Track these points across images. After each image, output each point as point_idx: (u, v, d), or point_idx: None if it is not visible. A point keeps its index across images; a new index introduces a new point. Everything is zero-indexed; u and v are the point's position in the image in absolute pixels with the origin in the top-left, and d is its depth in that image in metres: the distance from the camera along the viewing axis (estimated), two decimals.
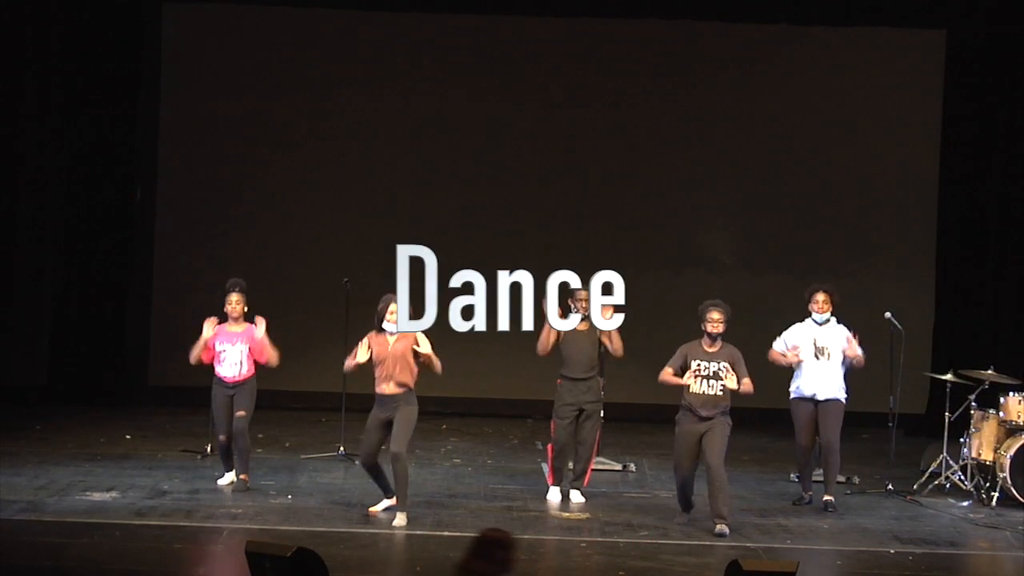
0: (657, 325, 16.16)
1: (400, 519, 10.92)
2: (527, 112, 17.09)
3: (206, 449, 13.28)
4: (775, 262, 16.87)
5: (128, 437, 14.39)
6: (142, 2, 16.73)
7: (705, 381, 11.05)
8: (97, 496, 11.43)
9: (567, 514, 11.52)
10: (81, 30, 16.46)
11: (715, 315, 11.12)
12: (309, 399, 16.21)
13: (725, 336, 11.17)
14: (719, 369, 11.02)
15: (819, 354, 12.00)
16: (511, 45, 17.09)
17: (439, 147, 17.07)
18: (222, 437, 11.97)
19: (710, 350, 11.12)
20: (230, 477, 12.03)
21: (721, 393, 11.04)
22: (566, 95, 17.07)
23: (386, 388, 11.01)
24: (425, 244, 17.24)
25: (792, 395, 12.09)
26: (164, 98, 17.03)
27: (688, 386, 11.07)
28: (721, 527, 10.92)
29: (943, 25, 16.68)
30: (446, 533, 10.66)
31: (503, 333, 16.32)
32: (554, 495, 11.99)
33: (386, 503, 11.18)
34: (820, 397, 11.97)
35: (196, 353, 11.94)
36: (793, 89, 17.09)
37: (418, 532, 10.71)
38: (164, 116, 17.04)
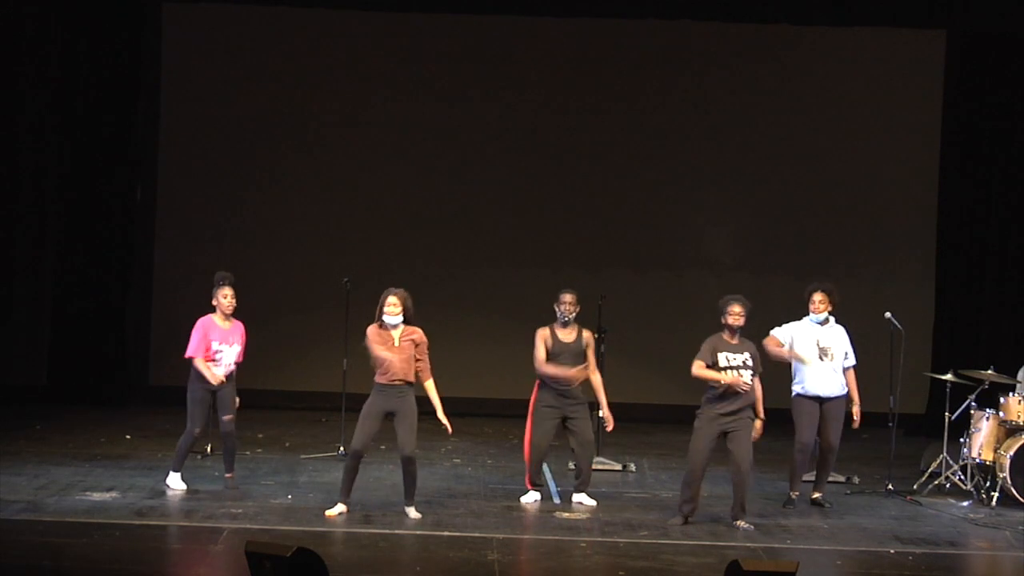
0: (657, 326, 16.19)
1: (414, 512, 11.04)
2: (527, 112, 17.09)
3: (206, 449, 13.28)
4: (775, 262, 16.87)
5: (128, 437, 14.39)
6: (142, 2, 16.73)
7: (734, 372, 11.10)
8: (97, 496, 11.43)
9: (567, 514, 11.52)
10: (81, 30, 16.46)
11: (736, 308, 11.22)
12: (309, 399, 16.21)
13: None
14: (745, 359, 11.10)
15: (823, 355, 12.02)
16: (511, 45, 17.09)
17: (439, 146, 17.07)
18: (197, 431, 11.82)
19: (733, 342, 11.20)
20: (179, 480, 11.91)
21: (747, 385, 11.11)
22: (566, 95, 17.08)
23: (391, 380, 11.00)
24: (426, 243, 17.38)
25: (795, 393, 12.10)
26: (164, 98, 17.04)
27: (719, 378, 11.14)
28: (747, 524, 11.08)
29: (943, 25, 16.68)
30: (446, 533, 10.66)
31: (503, 333, 16.42)
32: (530, 497, 11.90)
33: (341, 508, 11.11)
34: (824, 395, 11.99)
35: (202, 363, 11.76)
36: (793, 89, 17.09)
37: (418, 532, 10.72)
38: (164, 116, 17.04)
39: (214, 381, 11.64)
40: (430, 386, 11.10)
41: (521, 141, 17.11)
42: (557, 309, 11.79)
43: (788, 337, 12.12)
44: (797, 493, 12.14)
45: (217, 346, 11.77)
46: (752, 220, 17.18)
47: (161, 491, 11.72)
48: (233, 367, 11.87)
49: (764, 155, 17.09)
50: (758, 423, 11.22)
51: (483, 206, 17.18)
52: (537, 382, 11.88)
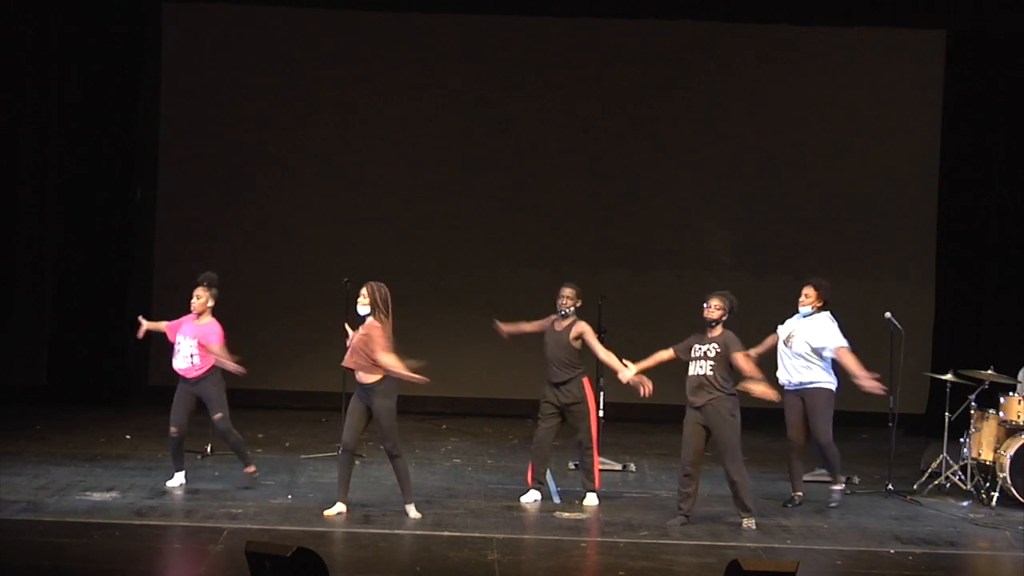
0: (657, 325, 16.16)
1: (414, 512, 11.05)
2: (527, 112, 17.10)
3: (206, 449, 13.29)
4: (775, 262, 16.87)
5: (128, 437, 14.40)
6: (142, 2, 16.73)
7: (696, 363, 11.17)
8: (97, 496, 11.43)
9: (567, 514, 11.52)
10: (81, 30, 16.46)
11: (712, 301, 11.26)
12: (309, 399, 16.21)
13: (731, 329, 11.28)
14: (708, 350, 11.09)
15: (786, 342, 12.09)
16: (511, 45, 17.09)
17: (440, 146, 17.08)
18: (173, 430, 11.84)
19: (708, 335, 11.24)
20: (180, 479, 11.96)
21: (710, 373, 11.08)
22: (566, 95, 17.08)
23: (358, 377, 11.02)
24: (426, 244, 17.38)
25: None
26: (164, 98, 17.04)
27: (687, 369, 11.21)
28: (750, 523, 11.10)
29: (943, 25, 16.68)
30: (446, 533, 10.67)
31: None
32: (528, 496, 11.93)
33: (339, 508, 11.13)
34: (794, 382, 11.97)
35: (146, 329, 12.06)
36: (793, 89, 17.10)
37: (418, 532, 10.73)
38: (164, 116, 17.04)
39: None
40: (387, 362, 10.81)
41: (521, 141, 17.10)
42: (557, 303, 11.87)
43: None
44: (800, 494, 12.12)
45: (179, 338, 11.90)
46: (752, 220, 17.18)
47: (161, 491, 11.74)
48: (203, 365, 11.83)
49: (764, 155, 17.09)
50: (758, 387, 11.07)
51: (483, 206, 17.17)
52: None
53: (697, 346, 11.21)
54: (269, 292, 16.54)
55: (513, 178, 17.13)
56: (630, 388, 15.58)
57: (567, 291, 11.91)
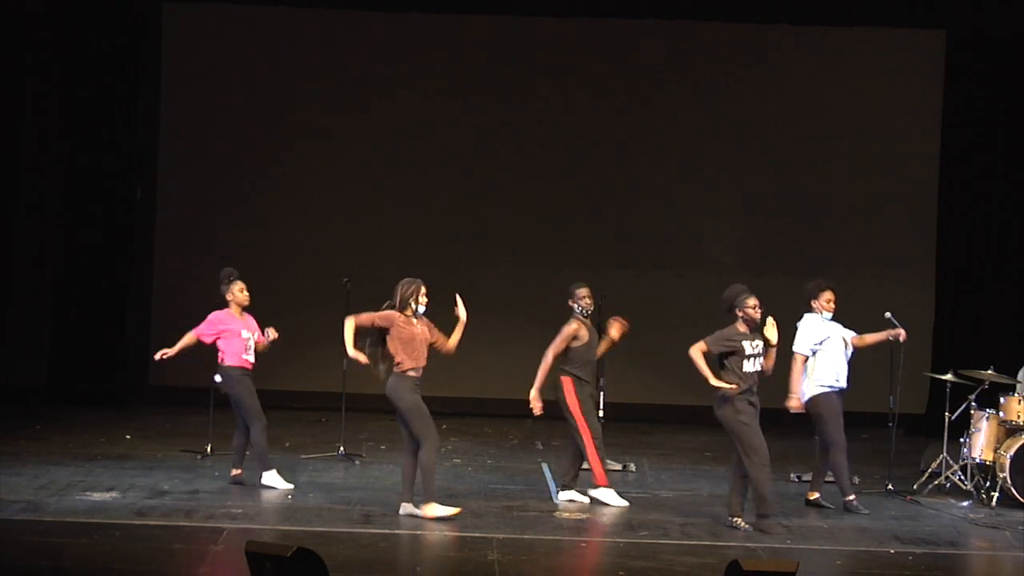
0: (657, 326, 16.17)
1: (419, 509, 11.02)
2: (528, 112, 17.10)
3: (206, 449, 13.29)
4: (776, 263, 16.88)
5: (128, 437, 14.40)
6: (142, 2, 16.74)
7: (756, 360, 10.99)
8: (97, 496, 11.43)
9: (567, 514, 11.52)
10: (81, 30, 16.47)
11: (755, 300, 11.02)
12: (309, 399, 16.21)
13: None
14: (760, 345, 10.97)
15: (846, 345, 12.00)
16: (512, 45, 17.11)
17: (440, 147, 17.08)
18: (265, 422, 11.94)
19: (746, 331, 11.03)
20: (277, 477, 12.02)
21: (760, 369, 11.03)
22: (566, 95, 17.09)
23: (419, 373, 11.02)
24: (426, 243, 17.37)
25: (825, 389, 11.92)
26: (164, 98, 17.05)
27: (742, 367, 10.89)
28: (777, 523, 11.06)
29: (943, 25, 16.70)
30: (446, 533, 10.66)
31: (503, 333, 16.41)
32: (615, 498, 11.79)
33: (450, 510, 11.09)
34: (846, 387, 11.92)
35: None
36: (793, 89, 17.10)
37: (418, 532, 10.71)
38: (164, 116, 17.06)
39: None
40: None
41: (521, 141, 17.11)
42: (576, 304, 11.75)
43: (822, 337, 11.97)
44: (853, 497, 12.03)
45: (247, 334, 12.01)
46: (752, 220, 17.19)
47: (161, 491, 11.71)
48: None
49: (764, 155, 17.10)
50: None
51: (483, 206, 17.18)
52: (570, 379, 11.74)
53: (747, 343, 10.95)
54: (269, 292, 16.48)
55: (513, 178, 17.13)
56: (631, 388, 15.67)
57: (585, 291, 11.79)
